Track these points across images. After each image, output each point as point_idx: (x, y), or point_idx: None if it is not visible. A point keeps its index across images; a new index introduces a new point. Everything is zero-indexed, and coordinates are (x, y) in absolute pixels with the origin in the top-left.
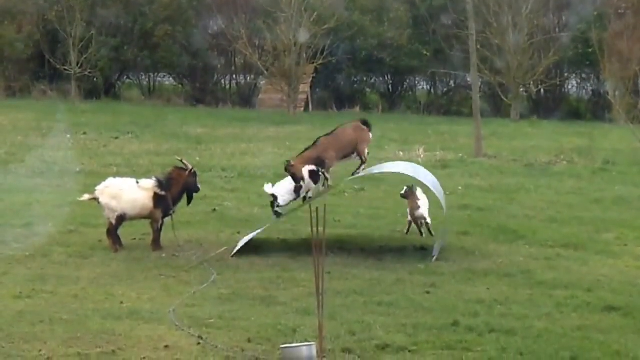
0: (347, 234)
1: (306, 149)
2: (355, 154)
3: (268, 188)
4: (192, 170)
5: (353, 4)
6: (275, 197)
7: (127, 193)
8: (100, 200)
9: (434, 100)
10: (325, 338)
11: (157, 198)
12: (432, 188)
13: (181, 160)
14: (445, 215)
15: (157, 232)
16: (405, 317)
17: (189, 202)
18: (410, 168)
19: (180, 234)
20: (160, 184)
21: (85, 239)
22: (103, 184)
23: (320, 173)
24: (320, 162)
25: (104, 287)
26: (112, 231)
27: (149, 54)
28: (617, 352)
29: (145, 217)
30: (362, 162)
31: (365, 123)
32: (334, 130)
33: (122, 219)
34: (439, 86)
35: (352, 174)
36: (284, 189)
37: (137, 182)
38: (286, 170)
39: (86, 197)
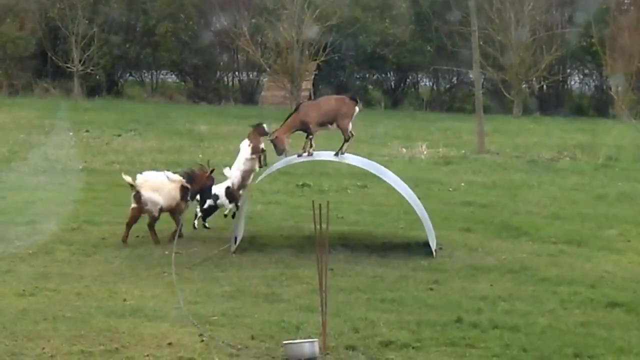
0: (350, 231)
1: (289, 116)
2: (334, 126)
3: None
4: (211, 174)
5: (355, 0)
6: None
7: (164, 185)
8: (143, 193)
9: (437, 97)
10: (329, 335)
11: (183, 190)
12: (395, 186)
13: (208, 162)
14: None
15: (180, 222)
16: (409, 313)
17: (201, 204)
18: (377, 168)
19: (183, 231)
20: (187, 177)
21: (88, 236)
22: (141, 177)
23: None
24: (304, 126)
25: (107, 285)
26: (153, 224)
27: (151, 52)
28: (620, 348)
29: (170, 210)
30: (345, 140)
31: (352, 98)
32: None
33: (161, 211)
34: (441, 83)
35: (335, 154)
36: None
37: (167, 176)
38: (270, 141)
39: (128, 179)
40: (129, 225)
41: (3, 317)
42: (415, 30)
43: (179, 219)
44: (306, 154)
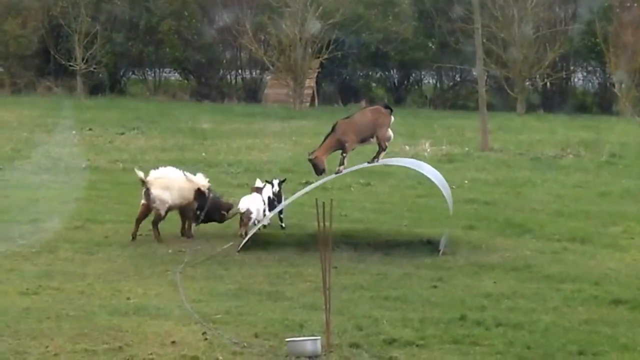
0: (353, 229)
1: (326, 137)
2: (374, 138)
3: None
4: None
5: None
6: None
7: (176, 184)
8: (152, 190)
9: (440, 94)
10: (333, 333)
11: (198, 193)
12: (437, 183)
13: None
14: (451, 211)
15: (187, 221)
16: (413, 311)
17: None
18: (416, 162)
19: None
20: (209, 190)
21: (91, 235)
22: (154, 174)
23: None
24: (340, 145)
25: (110, 283)
26: (158, 223)
27: (154, 50)
28: (624, 345)
29: (181, 209)
30: (381, 149)
31: (386, 107)
32: (353, 114)
33: (169, 209)
34: (444, 80)
35: (368, 162)
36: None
37: (185, 175)
38: (309, 161)
39: (140, 174)
40: (138, 221)
41: (6, 315)
42: (418, 28)
43: (190, 218)
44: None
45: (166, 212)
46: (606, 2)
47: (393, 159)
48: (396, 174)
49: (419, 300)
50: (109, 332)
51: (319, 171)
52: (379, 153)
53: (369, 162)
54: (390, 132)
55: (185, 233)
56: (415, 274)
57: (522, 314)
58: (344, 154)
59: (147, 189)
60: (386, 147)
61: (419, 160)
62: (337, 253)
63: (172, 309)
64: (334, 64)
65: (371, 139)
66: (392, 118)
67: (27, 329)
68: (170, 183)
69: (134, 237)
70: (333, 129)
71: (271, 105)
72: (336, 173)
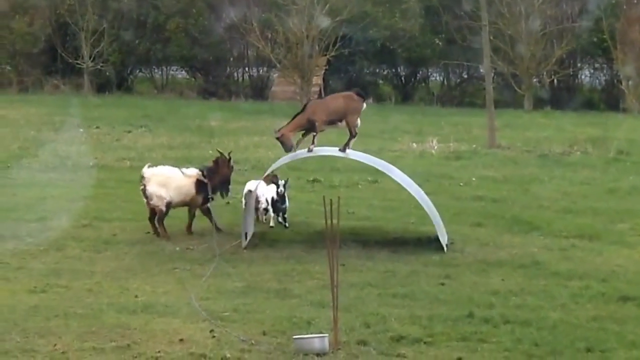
0: (361, 226)
1: (296, 115)
2: (342, 123)
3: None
4: (230, 163)
5: None
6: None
7: (174, 180)
8: (147, 187)
9: (447, 92)
10: (340, 330)
11: (199, 185)
12: (402, 183)
13: (220, 152)
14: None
15: (192, 218)
16: (420, 308)
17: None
18: (386, 165)
19: (195, 227)
20: (209, 171)
21: (99, 233)
22: (149, 171)
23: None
24: (311, 124)
25: (118, 281)
26: (162, 219)
27: (161, 47)
28: (632, 342)
29: (186, 205)
30: (352, 136)
31: (359, 94)
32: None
33: (170, 206)
34: (452, 77)
35: (341, 149)
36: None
37: (182, 172)
38: (276, 139)
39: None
40: (150, 220)
41: (14, 313)
42: (425, 25)
43: (192, 213)
44: (306, 150)
45: (167, 208)
46: None
47: (358, 153)
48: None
49: (427, 297)
50: (117, 329)
51: (287, 148)
52: (349, 140)
53: (340, 150)
54: (358, 120)
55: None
56: (423, 271)
57: (529, 311)
58: (314, 133)
59: (144, 186)
60: (356, 133)
61: (392, 165)
62: (344, 250)
63: (180, 307)
64: (341, 61)
65: (339, 123)
66: (364, 105)
67: (35, 327)
68: (167, 181)
69: (157, 234)
70: (304, 108)
71: (278, 103)
72: (308, 151)
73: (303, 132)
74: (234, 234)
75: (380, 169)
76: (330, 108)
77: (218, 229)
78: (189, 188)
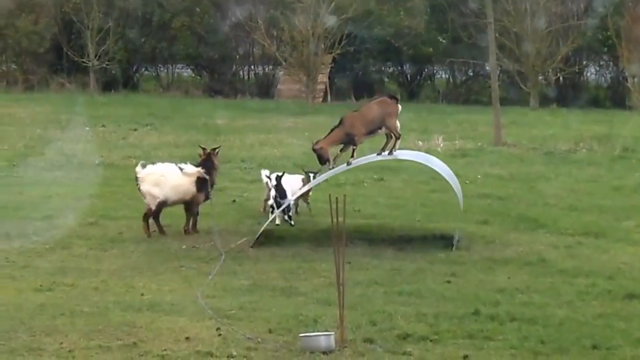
0: (367, 224)
1: (333, 129)
2: (382, 129)
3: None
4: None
5: None
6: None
7: (170, 179)
8: (141, 186)
9: (453, 89)
10: (346, 328)
11: (199, 182)
12: (447, 178)
13: (202, 148)
14: (462, 205)
15: (196, 215)
16: (426, 306)
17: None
18: (425, 156)
19: (200, 225)
20: (206, 165)
21: (105, 231)
22: (144, 171)
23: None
24: (350, 138)
25: (124, 279)
26: (149, 217)
27: (166, 46)
28: (638, 339)
29: (184, 203)
30: (396, 139)
31: (392, 97)
32: (360, 107)
33: (163, 205)
34: (457, 75)
35: (389, 153)
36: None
37: (182, 170)
38: (313, 151)
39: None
40: (155, 220)
41: (21, 312)
42: (430, 22)
43: (195, 211)
44: (346, 164)
45: (159, 208)
46: None
47: (403, 151)
48: (409, 169)
49: (433, 295)
50: (123, 328)
51: (323, 161)
52: (394, 143)
53: (388, 154)
54: (397, 122)
55: (188, 229)
56: (429, 269)
57: (536, 309)
58: (354, 147)
59: (138, 186)
60: (400, 135)
61: (429, 155)
62: (350, 248)
63: (186, 305)
64: (346, 59)
65: (379, 131)
66: (400, 107)
67: (42, 325)
68: (162, 179)
69: (162, 232)
70: (341, 122)
71: (284, 101)
72: (347, 165)
73: (342, 146)
74: (240, 232)
75: (421, 161)
76: (367, 118)
77: (193, 229)
78: (188, 186)
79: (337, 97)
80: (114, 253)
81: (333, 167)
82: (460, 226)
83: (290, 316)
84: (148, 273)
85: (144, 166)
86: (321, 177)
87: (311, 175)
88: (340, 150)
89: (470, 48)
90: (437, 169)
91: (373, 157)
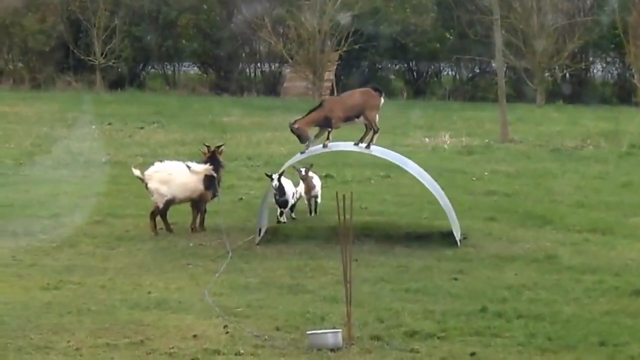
0: (374, 221)
1: (312, 110)
2: (361, 119)
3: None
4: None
5: None
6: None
7: (177, 177)
8: (149, 185)
9: (459, 86)
10: (354, 325)
11: (207, 180)
12: (425, 183)
13: (207, 145)
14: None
15: (204, 213)
16: (434, 303)
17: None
18: (400, 159)
19: (207, 223)
20: (212, 162)
21: (112, 229)
22: (152, 169)
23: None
24: (327, 121)
25: (131, 278)
26: (156, 215)
27: (173, 44)
28: None
29: (191, 201)
30: (373, 132)
31: (376, 89)
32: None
33: (170, 202)
34: (463, 72)
35: (366, 146)
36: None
37: (190, 167)
38: (292, 131)
39: (137, 172)
40: (162, 218)
41: (28, 310)
42: (436, 19)
43: (202, 208)
44: (321, 145)
45: (166, 206)
46: None
47: (380, 149)
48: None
49: (440, 292)
50: (130, 326)
51: (304, 140)
52: (372, 136)
53: (365, 147)
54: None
55: (195, 227)
56: (436, 266)
57: (543, 306)
58: (330, 130)
59: (146, 184)
60: (378, 129)
61: (407, 159)
62: (357, 246)
63: (193, 303)
64: (353, 57)
65: (357, 120)
66: (382, 100)
67: (49, 323)
68: (170, 178)
69: (169, 230)
70: (321, 104)
71: (290, 99)
72: (323, 147)
73: (318, 128)
74: (247, 230)
75: (396, 162)
76: (347, 104)
77: (200, 227)
78: (196, 184)
79: None
80: (121, 251)
81: (308, 148)
82: (463, 224)
83: (298, 314)
84: (155, 271)
85: (137, 168)
86: (296, 157)
87: (275, 176)
88: (315, 136)
89: (477, 45)
90: (413, 173)
91: (350, 146)
